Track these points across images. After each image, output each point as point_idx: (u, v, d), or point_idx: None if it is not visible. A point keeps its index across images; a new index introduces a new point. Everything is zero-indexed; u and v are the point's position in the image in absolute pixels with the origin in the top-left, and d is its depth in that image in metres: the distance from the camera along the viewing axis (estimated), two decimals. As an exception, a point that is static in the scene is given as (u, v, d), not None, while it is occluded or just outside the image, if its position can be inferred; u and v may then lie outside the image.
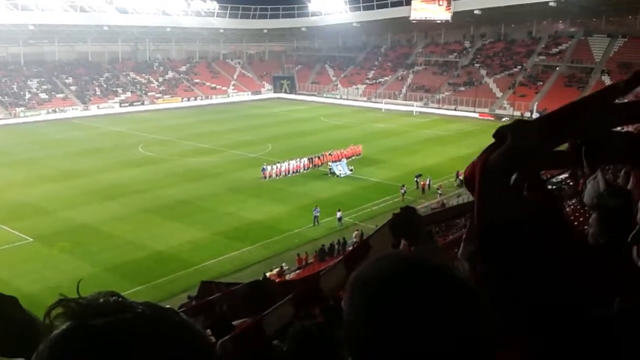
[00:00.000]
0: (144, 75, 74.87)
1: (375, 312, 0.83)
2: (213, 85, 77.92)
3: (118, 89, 69.95)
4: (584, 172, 2.26)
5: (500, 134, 1.29)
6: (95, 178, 34.28)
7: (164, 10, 72.74)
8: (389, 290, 0.83)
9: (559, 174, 17.50)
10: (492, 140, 1.32)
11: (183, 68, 79.73)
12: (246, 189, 32.78)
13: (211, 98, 74.39)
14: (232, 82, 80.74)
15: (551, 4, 60.32)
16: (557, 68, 65.33)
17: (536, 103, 57.13)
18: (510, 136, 1.26)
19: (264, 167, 35.29)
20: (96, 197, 30.47)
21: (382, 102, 67.83)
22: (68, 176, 34.47)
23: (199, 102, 72.01)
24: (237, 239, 25.13)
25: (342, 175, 35.73)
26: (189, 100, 72.40)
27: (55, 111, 60.66)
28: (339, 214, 27.45)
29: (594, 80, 59.33)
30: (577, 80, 61.77)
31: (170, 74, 77.20)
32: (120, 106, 66.55)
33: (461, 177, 30.90)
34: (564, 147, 2.40)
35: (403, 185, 31.31)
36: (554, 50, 68.31)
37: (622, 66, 56.86)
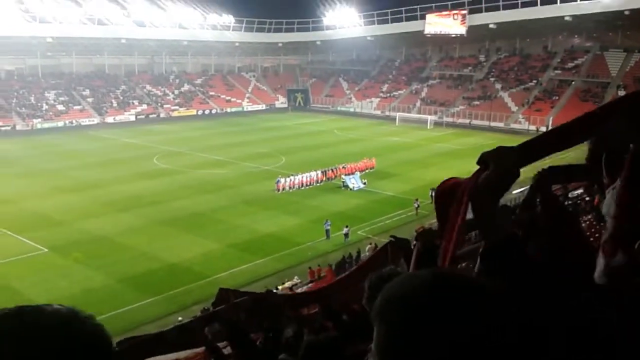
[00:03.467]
0: (159, 87, 75.68)
1: (415, 331, 0.81)
2: (228, 97, 78.51)
3: (134, 101, 70.72)
4: (604, 181, 2.23)
5: (484, 160, 1.35)
6: (111, 189, 34.56)
7: (181, 23, 73.64)
8: (427, 308, 0.82)
9: (575, 189, 17.27)
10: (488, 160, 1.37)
11: (198, 81, 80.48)
12: (260, 201, 32.82)
13: (226, 110, 74.98)
14: (247, 95, 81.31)
15: (567, 18, 60.09)
16: (573, 82, 64.90)
17: (551, 118, 56.73)
18: (493, 162, 1.33)
19: (278, 179, 35.33)
20: (111, 209, 30.69)
21: (396, 115, 67.79)
22: (83, 187, 34.80)
23: (213, 115, 72.60)
24: (250, 252, 25.11)
25: (355, 189, 35.64)
26: (204, 112, 73.00)
27: (72, 123, 61.45)
28: (345, 230, 27.26)
29: (609, 94, 58.80)
30: (593, 95, 61.29)
31: (186, 87, 77.95)
32: (136, 118, 67.29)
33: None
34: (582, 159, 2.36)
35: (417, 199, 31.11)
36: (570, 64, 67.91)
37: (638, 81, 56.28)
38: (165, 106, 72.06)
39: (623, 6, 50.65)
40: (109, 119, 64.95)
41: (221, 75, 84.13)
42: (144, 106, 70.59)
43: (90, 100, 67.51)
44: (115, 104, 68.39)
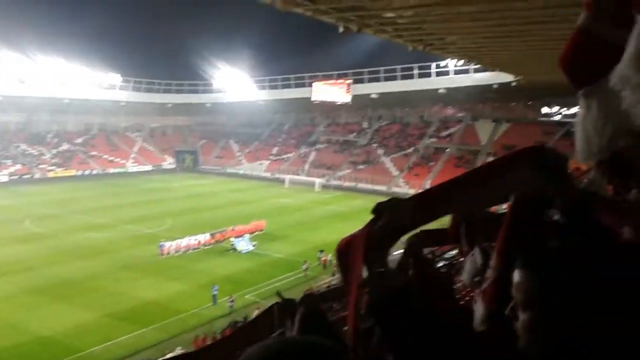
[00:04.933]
0: (36, 146, 71.12)
1: None
2: (111, 158, 75.46)
3: (7, 161, 65.73)
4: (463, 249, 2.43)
5: (378, 211, 1.40)
6: (-29, 256, 31.26)
7: (62, 81, 70.42)
8: None
9: (450, 250, 18.42)
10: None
11: (79, 140, 76.72)
12: (142, 266, 31.32)
13: (108, 171, 71.81)
14: (132, 155, 78.71)
15: (441, 91, 65.62)
16: (447, 150, 70.26)
17: (429, 182, 60.68)
18: (387, 213, 1.38)
19: (162, 243, 34.05)
20: (-29, 278, 27.67)
21: (285, 178, 68.87)
22: (-62, 254, 31.15)
23: (94, 176, 69.15)
24: (129, 321, 23.61)
25: (244, 251, 35.25)
26: (84, 173, 69.28)
27: None
28: (230, 303, 26.15)
29: (480, 161, 64.28)
30: (466, 162, 66.65)
31: (65, 146, 73.91)
32: (9, 179, 62.43)
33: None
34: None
35: (306, 261, 31.40)
36: (444, 133, 73.69)
37: (506, 148, 62.33)
38: (40, 166, 67.54)
39: (491, 80, 56.28)
40: (-23, 180, 59.46)
41: (105, 135, 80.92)
42: (18, 166, 65.75)
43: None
44: (-15, 164, 63.01)
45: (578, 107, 1.43)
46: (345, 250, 1.46)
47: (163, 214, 45.45)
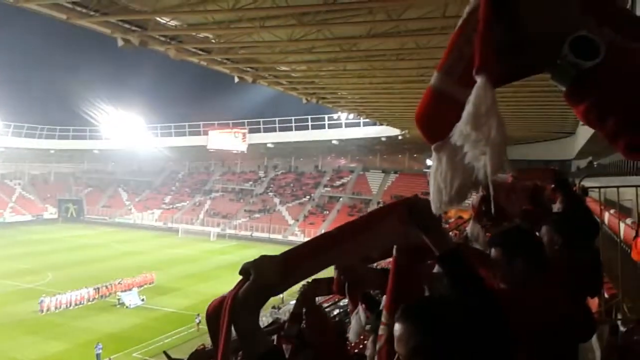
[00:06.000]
0: None
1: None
2: (-15, 207, 69.15)
3: None
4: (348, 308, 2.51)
5: (245, 270, 1.36)
6: None
7: None
8: None
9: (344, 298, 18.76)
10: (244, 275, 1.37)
11: (-53, 187, 69.75)
12: (19, 325, 28.62)
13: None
14: (10, 205, 72.64)
15: (334, 142, 67.97)
16: (341, 199, 72.23)
17: (323, 230, 61.76)
18: (254, 272, 1.34)
19: (42, 299, 31.46)
20: None
21: (179, 227, 66.85)
22: None
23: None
24: (0, 388, 21.39)
25: (132, 306, 33.43)
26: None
27: None
28: (97, 348, 24.93)
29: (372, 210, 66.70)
30: (358, 210, 68.73)
31: None
32: None
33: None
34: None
35: (198, 315, 30.30)
36: (338, 182, 75.85)
37: (395, 198, 65.19)
38: None
39: (380, 133, 59.42)
40: None
41: (-22, 183, 74.27)
42: None
43: None
44: None
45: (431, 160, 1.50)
46: (214, 313, 1.37)
47: (44, 267, 42.06)
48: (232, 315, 1.30)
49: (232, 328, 1.31)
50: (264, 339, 1.35)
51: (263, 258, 1.40)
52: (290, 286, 1.47)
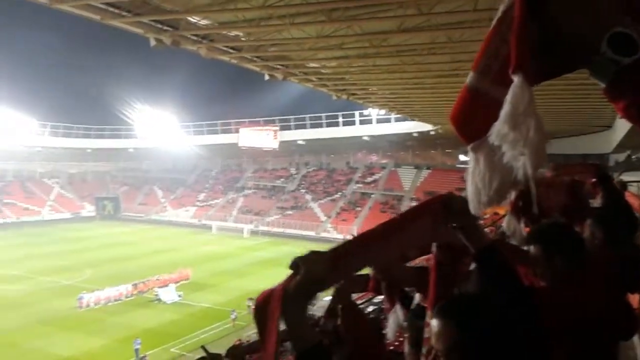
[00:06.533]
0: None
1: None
2: (26, 205, 71.34)
3: None
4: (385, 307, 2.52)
5: (295, 265, 1.41)
6: None
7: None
8: None
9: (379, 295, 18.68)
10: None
11: (-9, 187, 72.23)
12: (59, 320, 29.53)
13: (22, 220, 67.73)
14: (49, 203, 74.85)
15: (365, 138, 67.73)
16: (373, 195, 71.93)
17: (355, 227, 61.61)
18: (304, 267, 1.39)
19: (81, 295, 32.36)
20: None
21: (212, 224, 67.73)
22: None
23: (8, 224, 64.94)
24: (43, 381, 22.10)
25: (169, 302, 34.07)
26: (-5, 222, 64.96)
27: None
28: (136, 344, 25.39)
29: (404, 206, 66.20)
30: (391, 207, 68.41)
31: (-25, 194, 69.32)
32: None
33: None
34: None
35: (234, 310, 30.72)
36: (369, 179, 75.53)
37: (427, 194, 64.64)
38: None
39: (412, 129, 58.86)
40: None
41: (19, 182, 76.67)
42: None
43: None
44: None
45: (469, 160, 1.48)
46: (263, 304, 1.43)
47: (82, 264, 43.25)
48: (283, 307, 1.34)
49: (281, 320, 1.36)
50: (311, 333, 1.39)
51: (312, 253, 1.44)
52: (337, 281, 1.54)
